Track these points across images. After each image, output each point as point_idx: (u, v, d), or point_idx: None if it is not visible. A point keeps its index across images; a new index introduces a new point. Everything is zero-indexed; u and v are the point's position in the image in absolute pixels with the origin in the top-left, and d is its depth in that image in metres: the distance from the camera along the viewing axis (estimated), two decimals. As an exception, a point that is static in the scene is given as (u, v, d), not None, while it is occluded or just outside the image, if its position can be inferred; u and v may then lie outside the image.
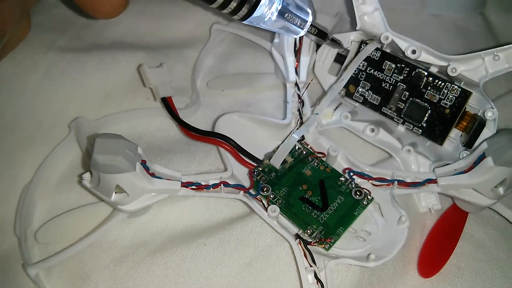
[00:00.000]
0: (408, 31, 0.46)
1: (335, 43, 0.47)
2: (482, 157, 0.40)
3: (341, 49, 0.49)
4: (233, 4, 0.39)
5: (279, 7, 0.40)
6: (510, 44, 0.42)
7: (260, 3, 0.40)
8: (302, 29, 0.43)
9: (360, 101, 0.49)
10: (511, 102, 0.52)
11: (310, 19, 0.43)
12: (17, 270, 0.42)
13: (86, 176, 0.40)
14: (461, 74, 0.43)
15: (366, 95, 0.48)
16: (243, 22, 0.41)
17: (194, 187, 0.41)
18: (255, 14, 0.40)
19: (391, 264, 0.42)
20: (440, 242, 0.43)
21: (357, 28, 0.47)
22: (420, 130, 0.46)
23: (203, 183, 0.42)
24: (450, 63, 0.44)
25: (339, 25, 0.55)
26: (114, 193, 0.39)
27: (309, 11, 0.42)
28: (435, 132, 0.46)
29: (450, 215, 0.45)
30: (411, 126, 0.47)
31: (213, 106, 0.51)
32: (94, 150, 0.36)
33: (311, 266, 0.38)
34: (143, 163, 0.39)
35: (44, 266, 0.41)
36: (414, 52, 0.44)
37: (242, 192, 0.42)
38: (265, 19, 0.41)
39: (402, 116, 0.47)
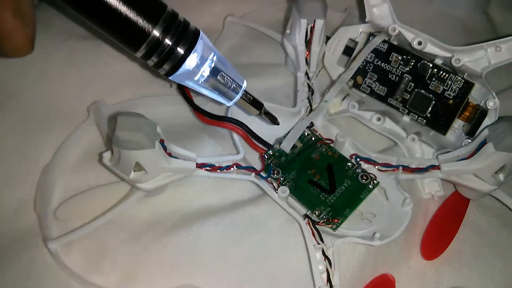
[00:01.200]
0: (415, 26, 0.47)
1: (270, 117, 0.45)
2: (483, 143, 0.41)
3: (275, 124, 0.47)
4: (154, 59, 0.37)
5: (212, 66, 0.39)
6: (511, 36, 0.43)
7: (186, 62, 0.38)
8: (237, 93, 0.41)
9: (367, 92, 0.50)
10: (514, 95, 0.54)
11: (244, 84, 0.41)
12: (37, 246, 0.43)
13: (107, 154, 0.41)
14: (465, 64, 0.45)
15: (373, 86, 0.50)
16: (169, 78, 0.39)
17: (208, 168, 0.43)
18: (181, 71, 0.38)
19: (395, 246, 0.43)
20: (442, 228, 0.45)
21: (366, 19, 0.49)
22: (424, 120, 0.48)
23: (217, 165, 0.43)
24: (454, 54, 0.45)
25: (348, 20, 0.57)
26: (133, 171, 0.41)
27: (243, 78, 0.41)
28: (439, 122, 0.47)
29: (452, 201, 0.46)
30: (416, 116, 0.48)
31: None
32: (117, 127, 0.37)
33: (319, 244, 0.40)
34: (162, 142, 0.40)
35: (63, 241, 0.43)
36: (420, 43, 0.46)
37: (253, 174, 0.44)
38: (196, 77, 0.39)
39: (407, 106, 0.49)
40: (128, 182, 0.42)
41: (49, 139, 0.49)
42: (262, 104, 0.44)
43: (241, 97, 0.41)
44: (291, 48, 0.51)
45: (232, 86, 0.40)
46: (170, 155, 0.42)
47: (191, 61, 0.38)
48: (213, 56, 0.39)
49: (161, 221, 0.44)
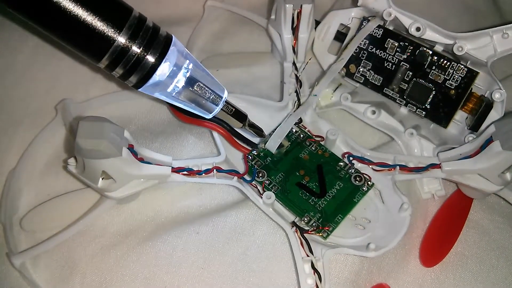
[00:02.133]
0: (414, 8, 0.43)
1: (255, 128, 0.41)
2: (489, 141, 0.38)
3: (261, 137, 0.42)
4: (118, 71, 0.33)
5: (187, 75, 0.34)
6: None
7: (157, 73, 0.33)
8: (217, 105, 0.36)
9: (361, 81, 0.46)
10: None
11: (225, 94, 0.36)
12: (1, 259, 0.40)
13: (71, 161, 0.38)
14: (468, 53, 0.41)
15: (367, 75, 0.46)
16: (139, 90, 0.34)
17: (185, 172, 0.39)
18: (151, 82, 0.33)
19: (392, 253, 0.40)
20: (444, 230, 0.42)
21: (358, 3, 0.44)
22: (423, 112, 0.44)
23: (195, 169, 0.40)
24: (456, 41, 0.41)
25: (339, 3, 0.52)
26: (100, 179, 0.37)
27: (224, 87, 0.36)
28: (440, 114, 0.43)
29: (454, 201, 0.43)
30: (414, 108, 0.44)
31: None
32: (78, 134, 0.34)
33: (308, 256, 0.36)
34: (131, 147, 0.36)
35: (30, 255, 0.39)
36: (418, 29, 0.42)
37: (236, 178, 0.40)
38: (169, 89, 0.34)
39: (405, 97, 0.45)
40: (96, 190, 0.39)
41: (14, 141, 0.45)
42: (246, 116, 0.40)
43: (221, 109, 0.37)
44: (276, 35, 0.47)
45: (211, 97, 0.36)
46: (142, 159, 0.38)
47: (163, 70, 0.33)
48: (189, 64, 0.34)
49: (135, 230, 0.41)
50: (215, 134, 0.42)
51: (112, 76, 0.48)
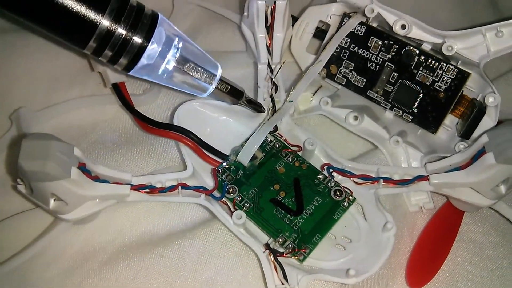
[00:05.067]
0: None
1: (254, 104, 0.39)
2: (481, 152, 0.34)
3: (261, 112, 0.40)
4: (107, 54, 0.32)
5: (177, 55, 0.33)
6: (512, 19, 0.35)
7: (145, 54, 0.32)
8: (210, 84, 0.35)
9: (343, 83, 0.43)
10: (515, 80, 0.46)
11: (219, 72, 0.35)
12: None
13: (21, 181, 0.34)
14: (458, 52, 0.38)
15: (349, 77, 0.42)
16: (129, 73, 0.34)
17: (147, 190, 0.36)
18: (141, 64, 0.33)
19: (375, 273, 0.36)
20: (432, 246, 0.39)
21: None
22: (410, 117, 0.41)
23: (158, 186, 0.36)
24: (445, 40, 0.38)
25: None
26: (52, 200, 0.33)
27: (218, 64, 0.35)
28: (428, 118, 0.40)
29: (444, 214, 0.40)
30: (401, 112, 0.41)
31: (175, 91, 0.45)
32: (20, 155, 0.30)
33: (282, 283, 0.33)
34: (82, 166, 0.33)
35: (-20, 282, 0.36)
36: (403, 27, 0.38)
37: (203, 195, 0.36)
38: (160, 71, 0.33)
39: (390, 100, 0.41)
40: (48, 213, 0.35)
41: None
42: (242, 92, 0.38)
43: (216, 87, 0.36)
44: (250, 34, 0.43)
45: (204, 76, 0.35)
46: (97, 178, 0.34)
47: (152, 51, 0.32)
48: (178, 42, 0.33)
49: (95, 252, 0.37)
50: (182, 146, 0.38)
51: (73, 81, 0.45)
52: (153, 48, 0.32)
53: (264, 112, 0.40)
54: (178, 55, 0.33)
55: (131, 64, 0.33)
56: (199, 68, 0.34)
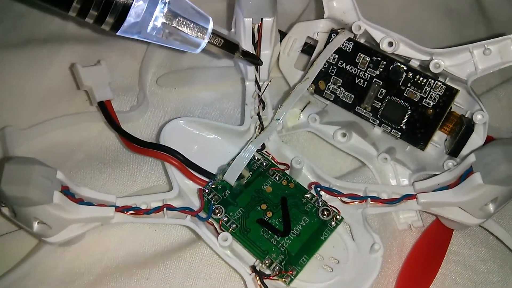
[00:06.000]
0: (390, 12, 0.39)
1: (250, 57, 0.38)
2: (469, 172, 0.34)
3: (258, 65, 0.40)
4: (93, 13, 0.31)
5: (165, 11, 0.32)
6: (502, 35, 0.35)
7: (131, 11, 0.31)
8: (202, 39, 0.34)
9: (331, 99, 0.42)
10: (504, 95, 0.46)
11: (210, 25, 0.34)
12: None
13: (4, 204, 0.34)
14: (446, 70, 0.37)
15: (337, 93, 0.42)
16: (117, 33, 0.33)
17: (132, 212, 0.35)
18: (127, 23, 0.32)
19: (364, 292, 0.36)
20: (422, 264, 0.38)
21: (325, 16, 0.40)
22: (399, 133, 0.40)
23: (143, 207, 0.36)
24: (433, 57, 0.37)
25: (309, 11, 0.48)
26: (36, 223, 0.33)
27: (209, 17, 0.34)
28: (416, 135, 0.40)
29: (433, 232, 0.39)
30: (389, 128, 0.41)
31: (164, 107, 0.45)
32: (2, 180, 0.30)
33: (268, 306, 0.33)
34: (65, 189, 0.32)
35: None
36: (390, 44, 0.38)
37: (189, 216, 0.36)
38: (148, 28, 0.32)
39: (378, 116, 0.41)
40: (32, 236, 0.35)
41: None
42: (237, 45, 0.37)
43: (209, 42, 0.34)
44: (237, 51, 0.42)
45: (195, 31, 0.33)
46: (80, 200, 0.34)
47: (138, 8, 0.31)
48: None
49: (82, 274, 0.37)
50: (168, 165, 0.38)
51: (60, 98, 0.44)
52: (139, 5, 0.31)
53: (261, 64, 0.40)
54: (166, 10, 0.32)
55: (118, 23, 0.32)
56: (189, 23, 0.33)
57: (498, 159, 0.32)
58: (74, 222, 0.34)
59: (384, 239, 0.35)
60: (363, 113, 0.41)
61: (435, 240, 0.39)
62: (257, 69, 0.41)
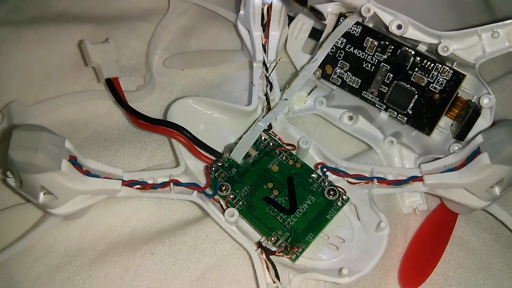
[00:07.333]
0: (395, 3, 0.39)
1: (316, 13, 0.39)
2: (476, 153, 0.34)
3: (321, 22, 0.41)
4: None
5: None
6: (510, 19, 0.35)
7: None
8: None
9: (338, 83, 0.42)
10: (509, 85, 0.46)
11: None
12: None
13: (10, 173, 0.33)
14: (454, 53, 0.37)
15: (344, 77, 0.42)
16: None
17: (138, 186, 0.35)
18: None
19: (368, 275, 0.36)
20: (426, 248, 0.38)
21: (334, -1, 0.40)
22: (405, 118, 0.40)
23: (150, 182, 0.36)
24: (441, 41, 0.37)
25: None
26: (41, 194, 0.33)
27: None
28: (423, 120, 0.40)
29: (438, 216, 0.39)
30: (395, 113, 0.41)
31: (170, 88, 0.45)
32: (10, 145, 0.30)
33: (274, 282, 0.32)
34: (73, 159, 0.32)
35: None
36: (399, 27, 0.38)
37: (196, 192, 0.36)
38: None
39: (385, 101, 0.41)
40: (38, 207, 0.34)
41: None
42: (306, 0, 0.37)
43: None
44: (246, 32, 0.43)
45: None
46: (87, 173, 0.34)
47: None
48: None
49: (84, 249, 0.37)
50: (175, 142, 0.38)
51: (67, 75, 0.44)
52: None
53: (325, 20, 0.40)
54: None
55: None
56: None
57: (506, 139, 0.32)
58: (80, 193, 0.33)
59: (389, 222, 0.35)
60: (369, 98, 0.41)
61: (440, 224, 0.39)
62: (264, 50, 0.41)
